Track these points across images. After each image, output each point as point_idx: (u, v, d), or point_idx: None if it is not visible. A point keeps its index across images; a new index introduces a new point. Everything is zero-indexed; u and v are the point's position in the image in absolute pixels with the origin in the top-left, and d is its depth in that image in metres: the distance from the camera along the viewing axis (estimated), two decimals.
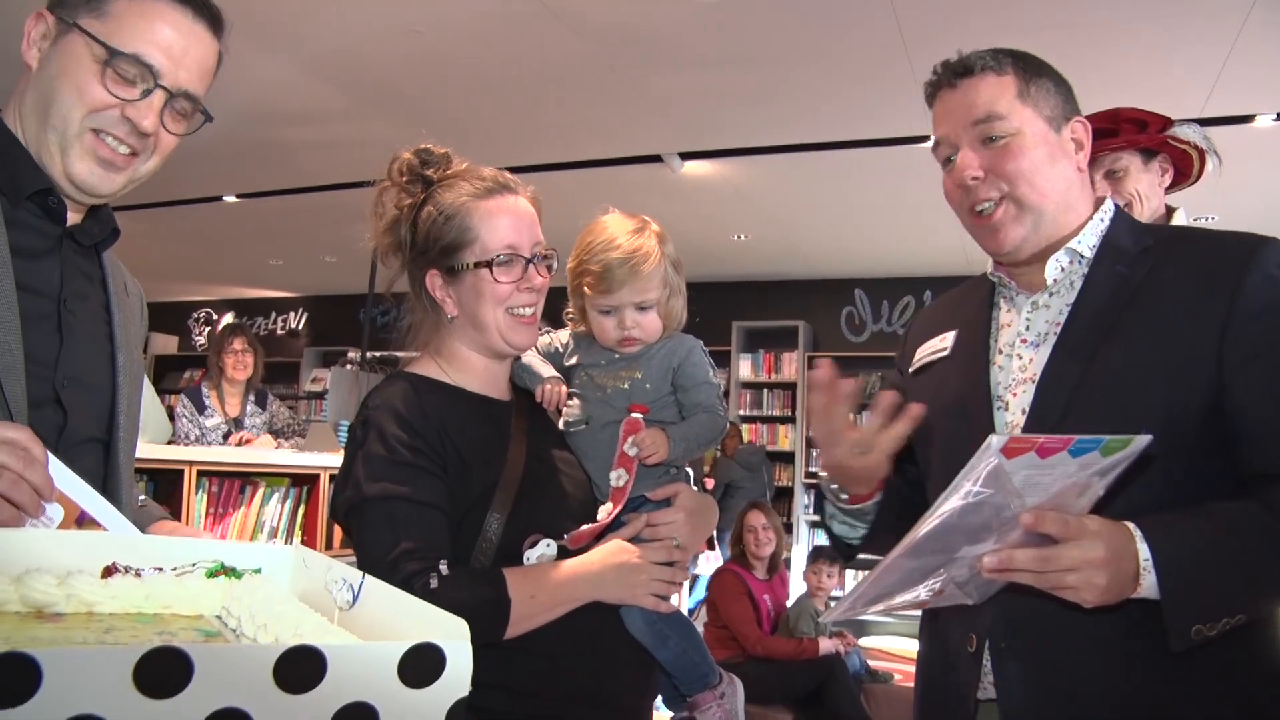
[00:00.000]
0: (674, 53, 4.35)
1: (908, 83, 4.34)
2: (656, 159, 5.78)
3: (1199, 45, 4.01)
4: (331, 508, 1.40)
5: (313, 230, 7.90)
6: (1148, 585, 1.06)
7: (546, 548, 1.34)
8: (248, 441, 4.30)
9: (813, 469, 8.75)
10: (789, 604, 4.88)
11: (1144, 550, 1.05)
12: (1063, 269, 1.28)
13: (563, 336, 1.57)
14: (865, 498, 1.35)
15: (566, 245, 1.49)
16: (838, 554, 1.51)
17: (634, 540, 1.39)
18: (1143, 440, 0.99)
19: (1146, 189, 2.15)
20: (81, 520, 1.02)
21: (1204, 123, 2.35)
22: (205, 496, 3.33)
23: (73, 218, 1.22)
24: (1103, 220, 1.30)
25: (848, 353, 8.77)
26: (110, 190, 1.19)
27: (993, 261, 1.36)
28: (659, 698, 1.48)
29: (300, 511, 3.60)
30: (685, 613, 1.56)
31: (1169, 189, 2.23)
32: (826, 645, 4.46)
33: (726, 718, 1.45)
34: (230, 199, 7.19)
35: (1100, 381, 1.18)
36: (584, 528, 1.38)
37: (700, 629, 4.30)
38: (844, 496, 1.36)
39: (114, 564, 0.90)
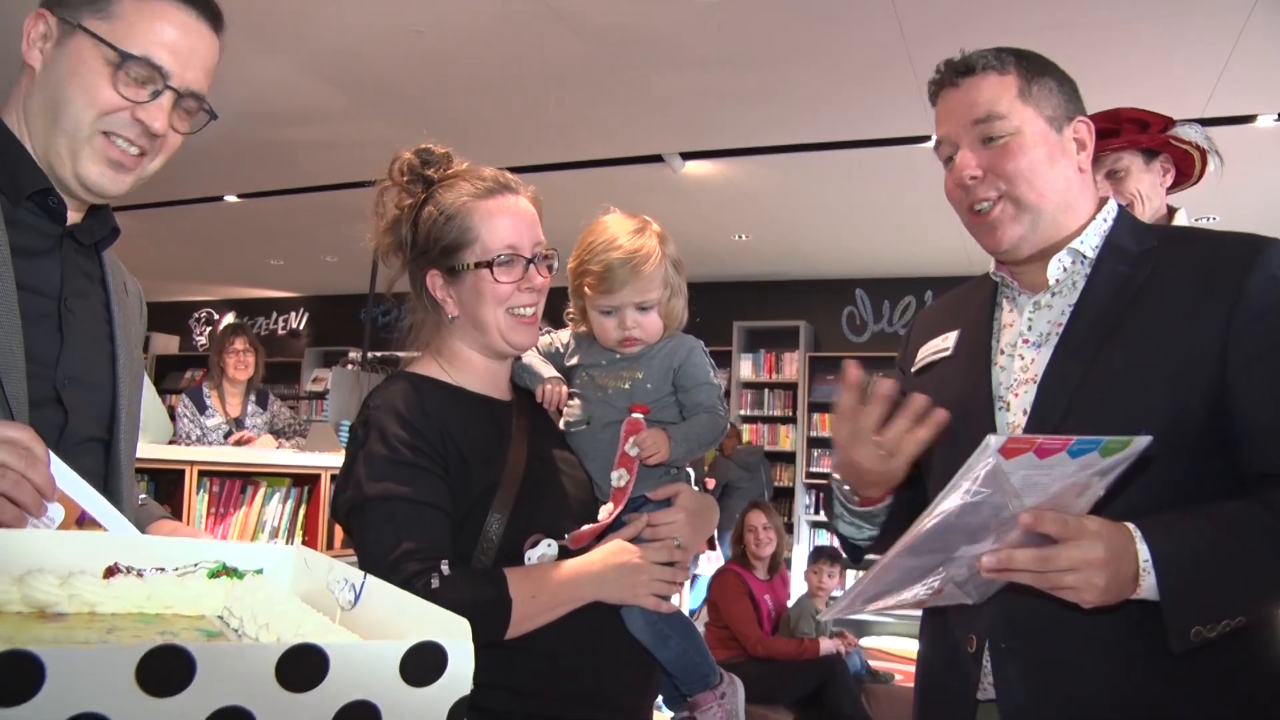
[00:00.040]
0: (674, 53, 4.35)
1: (909, 83, 4.34)
2: (658, 159, 5.78)
3: (1200, 45, 4.01)
4: (333, 508, 1.40)
5: (313, 230, 7.90)
6: (1147, 586, 1.05)
7: (548, 548, 1.34)
8: (249, 441, 4.31)
9: (814, 469, 8.75)
10: (790, 604, 4.88)
11: (1144, 551, 1.05)
12: (1065, 269, 1.28)
13: (563, 336, 1.57)
14: (877, 500, 1.34)
15: (567, 245, 1.49)
16: (845, 554, 1.50)
17: (635, 540, 1.39)
18: (1142, 441, 0.99)
19: (1148, 189, 2.15)
20: (82, 520, 1.02)
21: (1205, 123, 2.35)
22: (206, 496, 3.33)
23: (73, 216, 1.22)
24: (1106, 220, 1.30)
25: (849, 353, 8.75)
26: (120, 191, 1.20)
27: (995, 261, 1.36)
28: (660, 698, 1.48)
29: (301, 512, 3.60)
30: (686, 613, 1.56)
31: (1170, 189, 2.23)
32: (827, 645, 4.45)
33: (727, 718, 1.45)
34: (231, 199, 7.19)
35: (1102, 382, 1.18)
36: (585, 528, 1.38)
37: (701, 629, 4.30)
38: (855, 498, 1.35)
39: (116, 564, 0.90)
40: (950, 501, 0.99)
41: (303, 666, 0.60)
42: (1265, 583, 1.11)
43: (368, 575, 0.86)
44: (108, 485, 1.20)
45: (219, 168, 6.21)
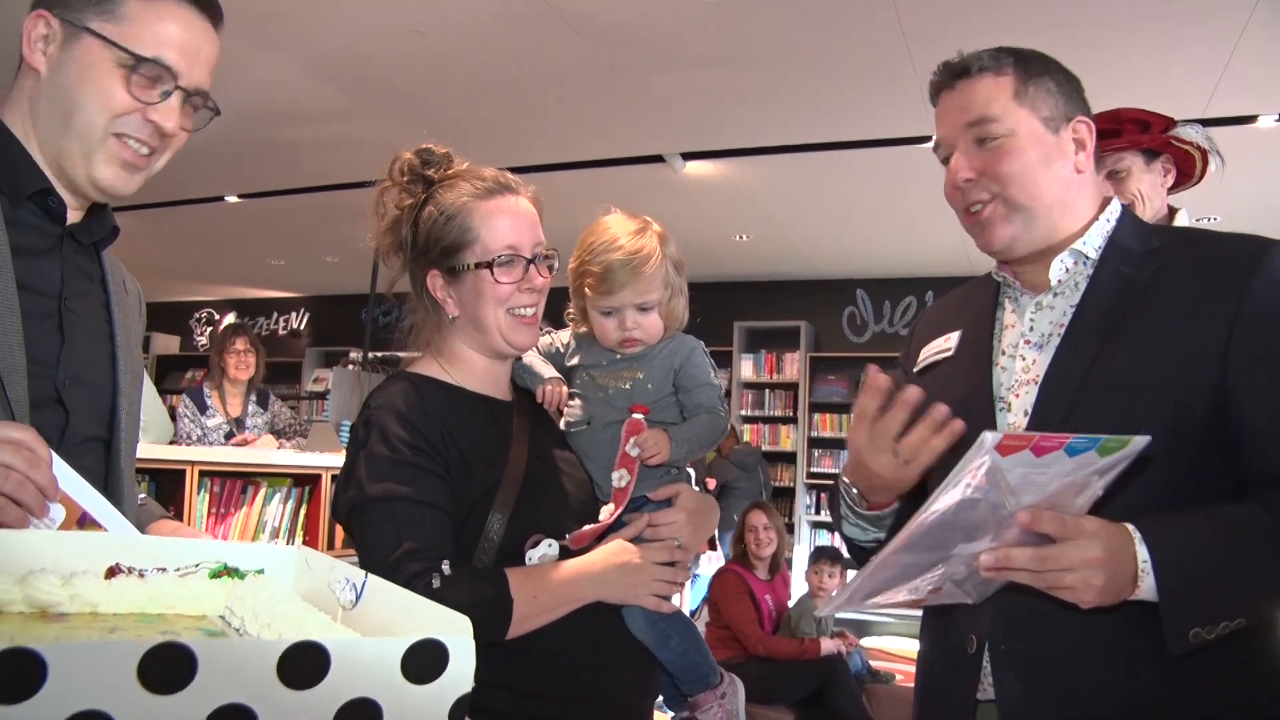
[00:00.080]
0: (674, 53, 4.35)
1: (909, 83, 4.34)
2: (658, 159, 5.78)
3: (1201, 46, 4.01)
4: (333, 508, 1.40)
5: (314, 230, 7.90)
6: (1146, 587, 1.05)
7: (548, 548, 1.35)
8: (249, 441, 4.31)
9: (814, 469, 8.75)
10: (790, 604, 4.87)
11: (1143, 552, 1.05)
12: (1067, 270, 1.28)
13: (564, 337, 1.57)
14: (885, 504, 1.33)
15: (567, 245, 1.49)
16: (850, 556, 1.49)
17: (635, 540, 1.39)
18: (1141, 441, 0.99)
19: (1149, 189, 2.15)
20: (83, 521, 1.02)
21: (1206, 123, 2.35)
22: (207, 496, 3.33)
23: (72, 216, 1.22)
24: (1109, 221, 1.29)
25: (849, 353, 8.78)
26: (131, 190, 1.20)
27: (997, 261, 1.36)
28: (660, 698, 1.49)
29: (302, 512, 3.61)
30: (686, 613, 1.56)
31: (1172, 189, 2.23)
32: (828, 645, 4.45)
33: (728, 718, 1.45)
34: (232, 199, 7.19)
35: (1103, 383, 1.18)
36: (586, 528, 1.38)
37: (701, 629, 4.30)
38: (864, 502, 1.33)
39: (117, 565, 0.90)
40: (947, 498, 0.99)
41: (304, 664, 0.60)
42: (1265, 584, 1.11)
43: (369, 575, 0.86)
44: (108, 485, 1.20)
45: (220, 168, 6.21)
